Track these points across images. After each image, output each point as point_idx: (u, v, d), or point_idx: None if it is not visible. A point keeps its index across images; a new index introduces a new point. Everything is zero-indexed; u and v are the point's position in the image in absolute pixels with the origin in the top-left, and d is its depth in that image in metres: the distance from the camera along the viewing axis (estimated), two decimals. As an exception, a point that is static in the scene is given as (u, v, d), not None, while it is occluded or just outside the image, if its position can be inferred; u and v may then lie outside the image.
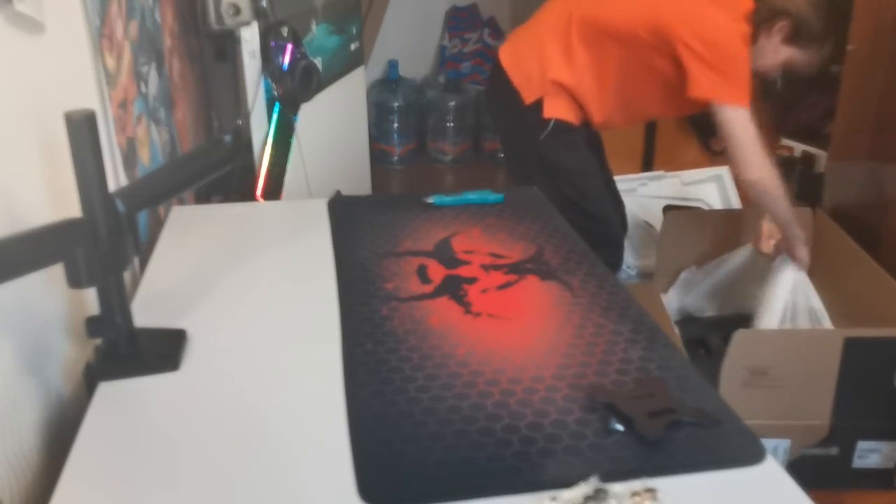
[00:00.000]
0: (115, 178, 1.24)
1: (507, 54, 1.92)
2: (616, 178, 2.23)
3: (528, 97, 1.86)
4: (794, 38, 1.73)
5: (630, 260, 2.43)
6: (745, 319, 1.95)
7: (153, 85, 1.52)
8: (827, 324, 1.87)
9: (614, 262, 2.04)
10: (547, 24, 1.87)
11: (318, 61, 2.22)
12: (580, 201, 1.90)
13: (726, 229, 2.19)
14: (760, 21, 1.73)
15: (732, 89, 1.68)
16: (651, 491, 0.75)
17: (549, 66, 1.84)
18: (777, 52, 1.75)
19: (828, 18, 1.73)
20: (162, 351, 0.98)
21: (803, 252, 1.84)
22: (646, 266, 2.39)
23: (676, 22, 1.71)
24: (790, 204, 1.80)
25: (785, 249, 1.87)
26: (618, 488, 0.74)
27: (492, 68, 1.98)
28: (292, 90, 2.03)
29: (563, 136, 1.88)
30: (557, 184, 1.86)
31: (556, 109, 1.86)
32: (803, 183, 2.63)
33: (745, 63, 1.69)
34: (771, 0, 1.74)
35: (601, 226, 1.96)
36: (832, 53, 1.85)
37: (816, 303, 1.89)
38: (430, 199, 1.47)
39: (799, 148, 2.78)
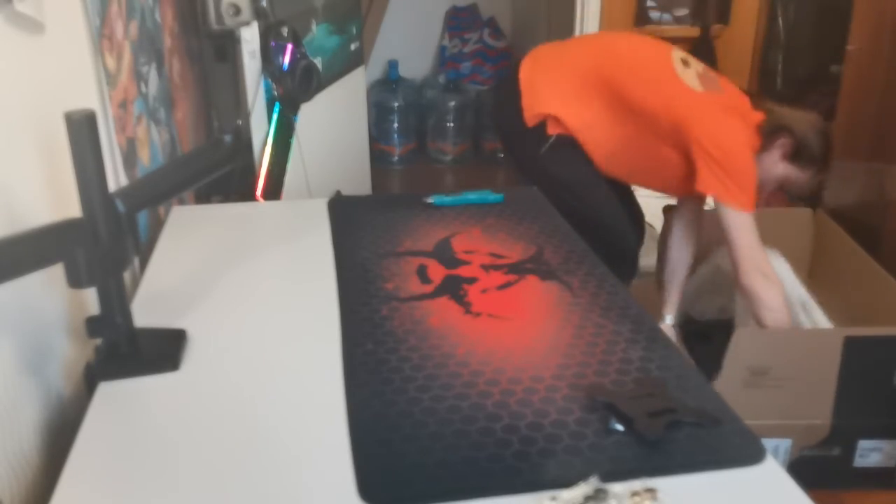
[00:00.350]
0: (115, 178, 1.24)
1: (527, 73, 1.90)
2: None
3: (531, 121, 1.86)
4: (793, 156, 1.78)
5: (630, 260, 2.43)
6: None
7: (153, 85, 1.52)
8: (819, 314, 1.87)
9: (627, 273, 2.01)
10: (573, 64, 1.87)
11: (318, 61, 2.22)
12: (589, 213, 1.85)
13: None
14: (765, 133, 1.78)
15: (740, 194, 1.71)
16: (651, 491, 0.75)
17: (560, 106, 1.84)
18: (775, 167, 1.80)
19: (824, 147, 1.78)
20: (162, 351, 0.98)
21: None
22: (646, 266, 2.39)
23: (694, 122, 1.74)
24: (786, 315, 1.74)
25: None
26: (618, 488, 0.74)
27: (508, 76, 1.96)
28: (292, 90, 2.03)
29: (565, 149, 1.86)
30: (565, 197, 1.79)
31: (559, 129, 1.85)
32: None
33: (754, 173, 1.73)
34: (779, 115, 1.79)
35: (614, 236, 1.93)
36: (821, 183, 1.90)
37: (804, 293, 1.89)
38: (430, 199, 1.47)
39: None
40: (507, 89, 1.94)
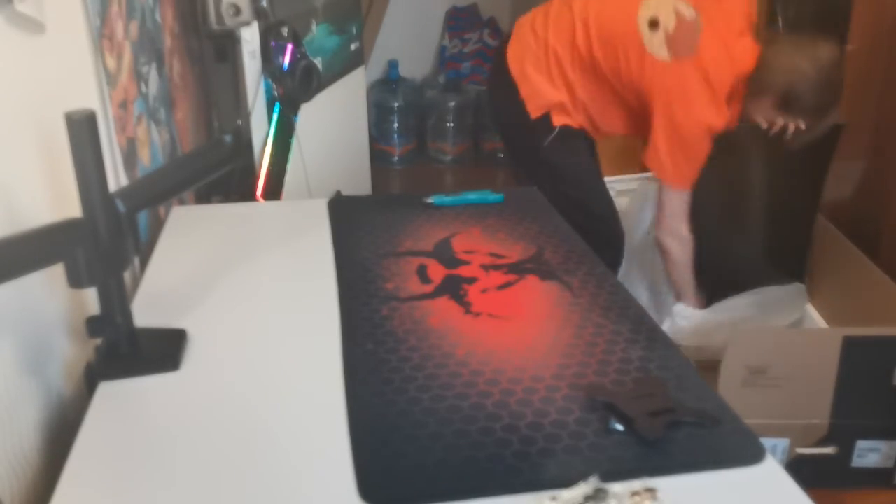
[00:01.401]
0: (115, 178, 1.24)
1: (515, 60, 1.90)
2: (615, 178, 2.25)
3: (534, 112, 1.87)
4: (785, 108, 1.76)
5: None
6: None
7: (153, 85, 1.52)
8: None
9: (616, 262, 2.05)
10: (555, 42, 1.85)
11: (318, 61, 2.22)
12: (586, 202, 1.91)
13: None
14: (750, 91, 1.77)
15: (677, 175, 1.81)
16: (651, 491, 0.75)
17: (555, 88, 1.85)
18: (769, 112, 1.80)
19: (822, 98, 1.74)
20: (162, 351, 0.98)
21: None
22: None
23: (655, 96, 1.76)
24: (690, 277, 1.96)
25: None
26: (618, 488, 0.74)
27: (495, 66, 1.96)
28: (292, 90, 2.03)
29: (568, 140, 1.89)
30: (562, 187, 1.85)
31: (563, 120, 1.88)
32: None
33: (701, 155, 1.78)
34: (767, 68, 1.74)
35: (605, 225, 1.98)
36: (833, 120, 1.87)
37: None
38: (430, 199, 1.47)
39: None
40: (501, 81, 1.93)
